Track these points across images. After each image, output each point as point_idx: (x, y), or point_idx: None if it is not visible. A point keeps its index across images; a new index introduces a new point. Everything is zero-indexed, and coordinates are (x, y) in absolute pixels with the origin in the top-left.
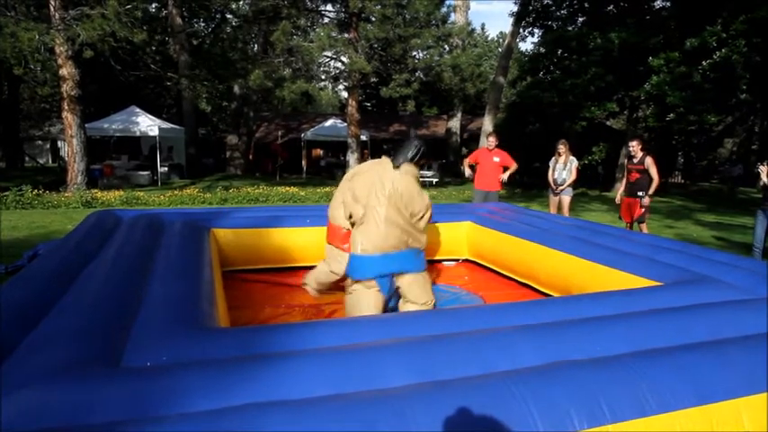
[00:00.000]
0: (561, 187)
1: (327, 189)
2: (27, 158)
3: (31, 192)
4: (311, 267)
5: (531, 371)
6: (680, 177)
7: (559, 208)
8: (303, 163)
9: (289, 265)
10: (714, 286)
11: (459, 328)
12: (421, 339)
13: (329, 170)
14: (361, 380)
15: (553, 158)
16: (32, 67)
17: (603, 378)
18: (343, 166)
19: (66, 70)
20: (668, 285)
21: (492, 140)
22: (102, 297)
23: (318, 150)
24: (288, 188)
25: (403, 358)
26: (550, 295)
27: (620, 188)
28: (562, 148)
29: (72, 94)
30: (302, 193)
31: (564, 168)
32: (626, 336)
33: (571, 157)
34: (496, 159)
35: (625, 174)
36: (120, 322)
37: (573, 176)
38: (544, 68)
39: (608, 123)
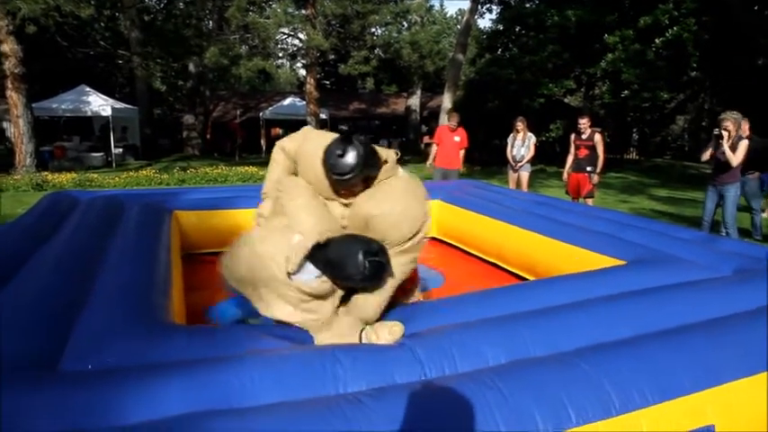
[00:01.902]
0: (520, 164)
1: None
2: None
3: None
4: None
5: (491, 371)
6: (635, 153)
7: (518, 184)
8: (262, 142)
9: None
10: (677, 265)
11: (415, 328)
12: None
13: None
14: (308, 385)
15: (511, 135)
16: None
17: (570, 376)
18: None
19: (8, 46)
20: (631, 264)
21: (454, 120)
22: (47, 288)
23: (278, 129)
24: (247, 168)
25: (356, 362)
26: (515, 274)
27: (567, 164)
28: (520, 125)
29: (16, 71)
30: (262, 173)
31: (522, 145)
32: (589, 326)
33: (529, 134)
34: (457, 139)
35: (573, 149)
36: (64, 318)
37: (531, 153)
38: (502, 46)
39: (565, 101)
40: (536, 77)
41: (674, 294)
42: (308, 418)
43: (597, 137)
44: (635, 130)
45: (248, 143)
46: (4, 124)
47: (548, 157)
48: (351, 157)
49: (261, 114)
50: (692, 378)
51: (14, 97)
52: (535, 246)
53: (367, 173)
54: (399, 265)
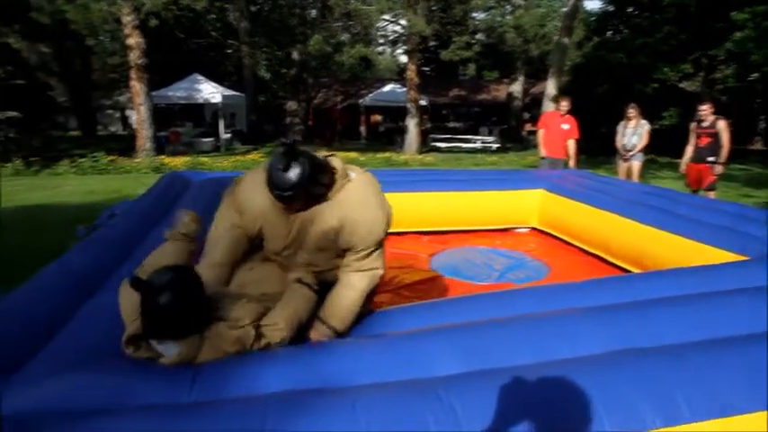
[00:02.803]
0: (631, 153)
1: (387, 154)
2: (99, 127)
3: (105, 158)
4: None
5: (596, 359)
6: (761, 143)
7: (628, 175)
8: (362, 129)
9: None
10: None
11: (514, 311)
12: (470, 324)
13: (388, 136)
14: (405, 367)
15: (622, 123)
16: (102, 37)
17: (681, 370)
18: (403, 132)
19: (134, 39)
20: (754, 260)
21: (565, 105)
22: None
23: (377, 116)
24: (348, 153)
25: (451, 344)
26: (621, 267)
27: (687, 154)
28: (632, 111)
29: (139, 62)
30: (362, 159)
31: (634, 133)
32: (707, 320)
33: (642, 121)
34: (565, 126)
35: (693, 139)
36: None
37: (644, 141)
38: (612, 27)
39: (681, 86)
40: (649, 61)
41: None
42: (402, 400)
43: (721, 124)
44: (762, 117)
45: (348, 130)
46: (128, 112)
47: (659, 147)
48: (293, 174)
49: (361, 101)
50: None
51: (137, 86)
52: (645, 238)
53: (313, 191)
54: (371, 268)
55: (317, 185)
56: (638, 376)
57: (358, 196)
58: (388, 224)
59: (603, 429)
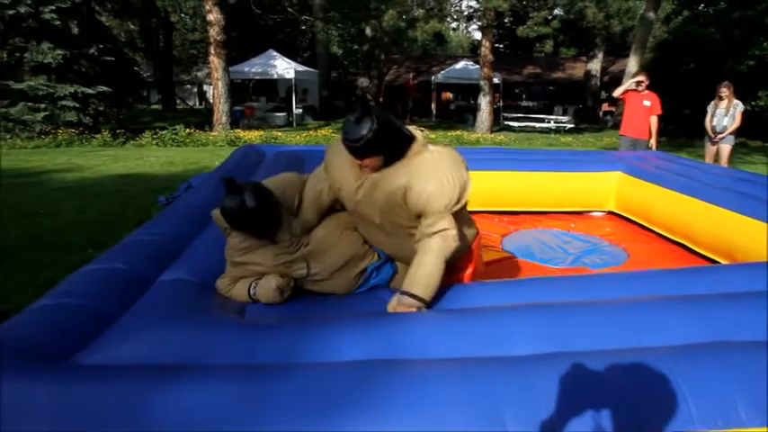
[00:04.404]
0: (721, 135)
1: (458, 132)
2: (178, 101)
3: (184, 131)
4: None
5: (687, 349)
6: None
7: (717, 158)
8: (432, 106)
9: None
10: None
11: (600, 295)
12: (553, 304)
13: (459, 114)
14: (482, 344)
15: (712, 103)
16: (184, 14)
17: None
18: (474, 110)
19: (213, 16)
20: None
21: (641, 79)
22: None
23: (448, 93)
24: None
25: (531, 324)
26: (705, 257)
27: None
28: (725, 91)
29: (218, 38)
30: (432, 136)
31: (726, 114)
32: None
33: (736, 101)
34: (647, 103)
35: None
36: None
37: (737, 123)
38: (705, 0)
39: None
40: (746, 36)
41: None
42: (475, 375)
43: None
44: None
45: (419, 107)
46: (205, 87)
47: (751, 130)
48: (364, 126)
49: (432, 78)
50: None
51: (215, 62)
52: (735, 227)
53: (383, 148)
54: (440, 229)
55: (388, 144)
56: (734, 370)
57: (430, 164)
58: (461, 195)
59: (693, 424)
